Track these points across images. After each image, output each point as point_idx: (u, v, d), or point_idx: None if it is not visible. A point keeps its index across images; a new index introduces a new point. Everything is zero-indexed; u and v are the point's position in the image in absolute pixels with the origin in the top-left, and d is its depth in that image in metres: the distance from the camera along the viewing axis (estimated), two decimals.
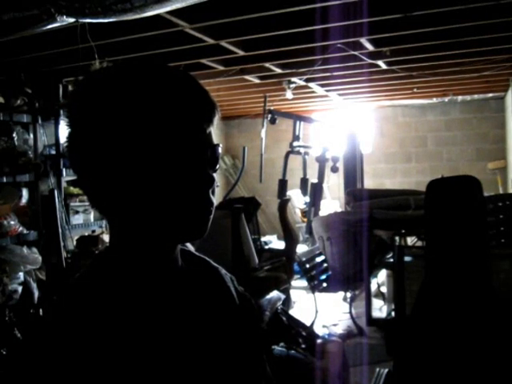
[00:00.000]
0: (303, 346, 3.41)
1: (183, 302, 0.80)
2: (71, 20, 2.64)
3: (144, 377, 0.68)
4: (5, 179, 3.84)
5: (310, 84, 5.85)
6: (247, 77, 5.43)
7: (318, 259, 4.96)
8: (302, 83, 5.68)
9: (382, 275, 5.54)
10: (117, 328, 0.69)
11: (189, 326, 0.78)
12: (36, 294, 3.89)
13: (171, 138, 0.72)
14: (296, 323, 3.86)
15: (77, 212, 4.38)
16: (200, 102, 0.76)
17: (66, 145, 0.78)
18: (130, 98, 0.73)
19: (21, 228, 3.94)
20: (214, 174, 0.78)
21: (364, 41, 4.02)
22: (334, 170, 6.55)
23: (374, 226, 4.62)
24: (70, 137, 0.76)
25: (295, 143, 6.62)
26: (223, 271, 0.95)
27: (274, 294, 3.87)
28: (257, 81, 5.66)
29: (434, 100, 7.59)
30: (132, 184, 0.73)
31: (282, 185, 6.37)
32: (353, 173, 6.45)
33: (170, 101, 0.73)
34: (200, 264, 0.91)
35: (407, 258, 3.85)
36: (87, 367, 0.65)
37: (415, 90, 6.62)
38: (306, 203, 7.28)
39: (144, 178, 0.72)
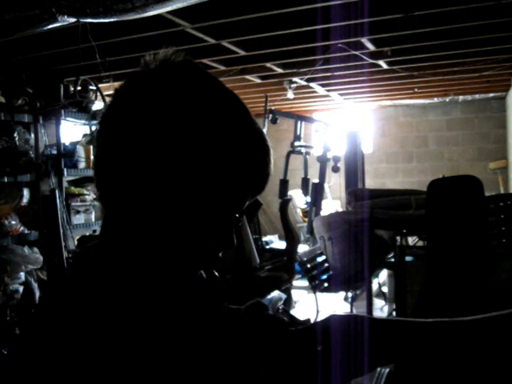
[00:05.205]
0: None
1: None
2: (72, 20, 2.64)
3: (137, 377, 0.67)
4: (6, 179, 3.84)
5: (311, 84, 5.85)
6: (248, 77, 5.43)
7: (319, 259, 4.95)
8: (303, 83, 5.68)
9: (383, 275, 5.53)
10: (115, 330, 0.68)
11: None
12: (37, 293, 3.90)
13: (220, 187, 0.72)
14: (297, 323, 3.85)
15: (78, 212, 4.38)
16: (262, 174, 0.76)
17: (101, 157, 0.74)
18: (195, 126, 0.70)
19: (22, 228, 3.95)
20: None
21: (365, 41, 4.02)
22: (335, 169, 6.55)
23: (375, 226, 4.61)
24: (108, 150, 0.73)
25: (296, 143, 6.62)
26: None
27: (275, 293, 3.87)
28: (258, 81, 5.66)
29: (435, 100, 7.59)
30: (164, 209, 0.71)
31: (283, 185, 6.37)
32: (354, 172, 6.45)
33: (238, 154, 0.72)
34: None
35: (408, 258, 3.85)
36: (78, 367, 0.64)
37: (416, 89, 6.62)
38: (307, 203, 7.28)
39: (181, 207, 0.71)
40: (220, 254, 0.80)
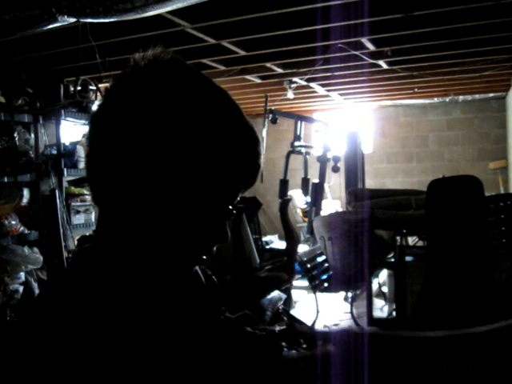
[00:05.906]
0: (304, 345, 3.41)
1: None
2: (72, 20, 2.64)
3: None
4: (6, 179, 3.84)
5: (311, 84, 5.85)
6: (248, 77, 5.43)
7: (319, 259, 4.96)
8: (303, 83, 5.68)
9: (383, 275, 5.53)
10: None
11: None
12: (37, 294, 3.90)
13: (214, 179, 0.73)
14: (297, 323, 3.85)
15: (78, 212, 4.38)
16: (253, 165, 0.78)
17: (92, 156, 0.75)
18: (188, 124, 0.71)
19: (22, 228, 3.95)
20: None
21: (365, 41, 4.02)
22: (335, 169, 6.55)
23: (375, 226, 4.61)
24: (101, 146, 0.74)
25: (296, 143, 6.62)
26: None
27: (276, 293, 3.87)
28: (258, 81, 5.66)
29: (435, 100, 7.59)
30: (158, 203, 0.72)
31: (283, 185, 6.37)
32: (354, 172, 6.45)
33: (233, 150, 0.74)
34: None
35: (408, 258, 3.85)
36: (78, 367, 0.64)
37: (416, 89, 6.62)
38: (307, 203, 7.28)
39: (174, 200, 0.72)
40: (215, 248, 0.80)
